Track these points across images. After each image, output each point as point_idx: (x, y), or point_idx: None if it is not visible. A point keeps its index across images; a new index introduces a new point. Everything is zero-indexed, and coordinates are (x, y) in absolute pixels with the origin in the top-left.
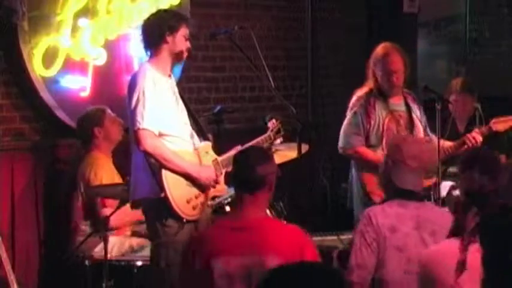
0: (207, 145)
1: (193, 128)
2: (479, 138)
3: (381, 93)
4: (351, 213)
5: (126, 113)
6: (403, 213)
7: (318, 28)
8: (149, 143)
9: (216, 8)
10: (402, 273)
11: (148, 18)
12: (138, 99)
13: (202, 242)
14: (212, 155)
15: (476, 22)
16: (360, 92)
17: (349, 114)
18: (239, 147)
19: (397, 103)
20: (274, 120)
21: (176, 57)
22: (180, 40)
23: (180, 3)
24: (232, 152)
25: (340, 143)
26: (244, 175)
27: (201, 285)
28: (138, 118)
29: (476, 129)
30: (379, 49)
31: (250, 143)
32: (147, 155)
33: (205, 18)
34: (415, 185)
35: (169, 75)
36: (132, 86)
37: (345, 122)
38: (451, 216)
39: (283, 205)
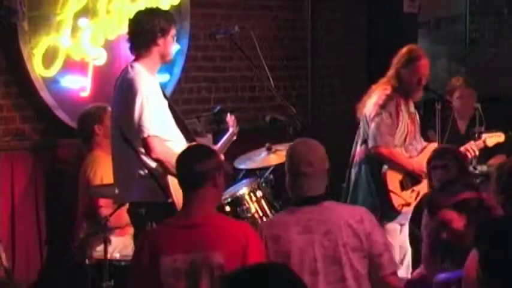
0: None
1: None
2: (477, 152)
3: (403, 94)
4: None
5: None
6: (289, 221)
7: (318, 28)
8: (160, 150)
9: (216, 8)
10: None
11: (137, 19)
12: (142, 105)
13: (150, 240)
14: None
15: (476, 22)
16: (387, 91)
17: (383, 113)
18: (209, 136)
19: (411, 104)
20: (229, 116)
21: (164, 58)
22: (170, 41)
23: (180, 3)
24: None
25: (374, 142)
26: (183, 173)
27: (148, 282)
28: (146, 125)
29: (472, 142)
30: (411, 51)
31: (220, 142)
32: (158, 162)
33: (205, 18)
34: (315, 189)
35: (155, 75)
36: (132, 90)
37: (379, 122)
38: (354, 211)
39: (283, 204)
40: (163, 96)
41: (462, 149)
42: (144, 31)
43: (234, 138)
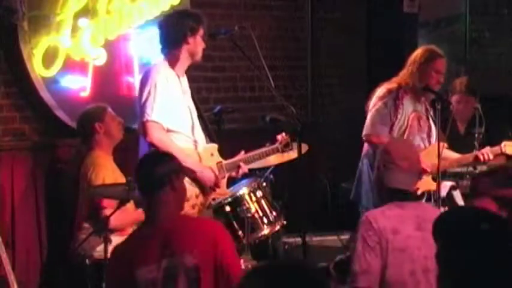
0: (213, 147)
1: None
2: (491, 157)
3: (415, 91)
4: (351, 212)
5: (127, 112)
6: (403, 215)
7: (318, 28)
8: (156, 135)
9: (216, 8)
10: (407, 274)
11: (168, 19)
12: (149, 92)
13: (123, 254)
14: (217, 157)
15: (476, 22)
16: (390, 86)
17: (378, 104)
18: (243, 153)
19: (421, 104)
20: (284, 134)
21: (193, 57)
22: (199, 41)
23: (180, 3)
24: (237, 158)
25: (365, 130)
26: (142, 178)
27: None
28: (148, 110)
29: (488, 148)
30: (433, 50)
31: (255, 152)
32: (153, 147)
33: (205, 18)
34: (408, 184)
35: (183, 75)
36: (145, 79)
37: (373, 112)
38: None
39: (283, 204)
40: (185, 94)
41: (477, 153)
42: (175, 31)
43: (278, 153)
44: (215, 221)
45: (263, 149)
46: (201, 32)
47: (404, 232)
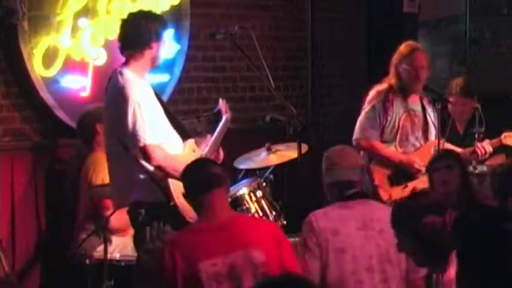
0: (192, 142)
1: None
2: (490, 149)
3: (401, 91)
4: None
5: None
6: (346, 215)
7: (318, 28)
8: (159, 157)
9: (216, 8)
10: (348, 274)
11: (134, 21)
12: (134, 114)
13: (184, 248)
14: (198, 151)
15: (476, 22)
16: (380, 87)
17: (367, 107)
18: (209, 136)
19: (415, 103)
20: (220, 100)
21: (154, 62)
22: (162, 46)
23: (180, 3)
24: (208, 144)
25: (355, 135)
26: (201, 175)
27: None
28: (141, 134)
29: (487, 140)
30: (406, 46)
31: (216, 132)
32: (159, 168)
33: (205, 18)
34: (351, 176)
35: (145, 78)
36: (122, 98)
37: (362, 115)
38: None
39: (283, 204)
40: (156, 96)
41: (475, 147)
42: (141, 33)
43: (229, 124)
44: (272, 221)
45: (220, 126)
46: (165, 36)
47: (344, 232)
